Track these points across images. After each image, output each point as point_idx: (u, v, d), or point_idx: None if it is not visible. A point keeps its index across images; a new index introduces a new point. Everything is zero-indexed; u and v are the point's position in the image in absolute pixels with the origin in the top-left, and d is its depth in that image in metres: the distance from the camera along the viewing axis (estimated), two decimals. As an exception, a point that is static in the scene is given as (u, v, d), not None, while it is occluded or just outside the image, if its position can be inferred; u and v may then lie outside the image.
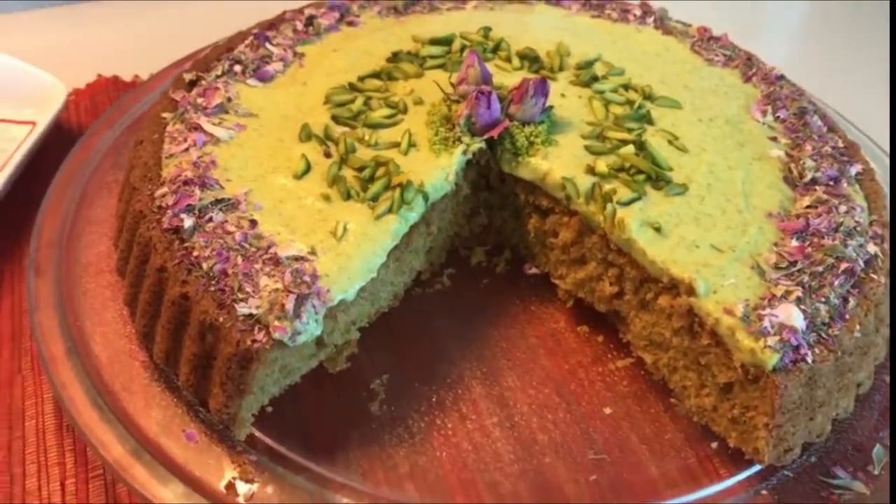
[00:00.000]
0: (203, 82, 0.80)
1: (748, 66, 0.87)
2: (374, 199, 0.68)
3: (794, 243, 0.67)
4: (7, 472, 0.65)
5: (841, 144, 0.79)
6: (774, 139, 0.78)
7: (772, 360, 0.60)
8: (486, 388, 0.70)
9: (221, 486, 0.60)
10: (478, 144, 0.73)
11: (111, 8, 1.19)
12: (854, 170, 0.76)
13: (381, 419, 0.67)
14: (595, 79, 0.82)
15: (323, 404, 0.67)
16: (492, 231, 0.81)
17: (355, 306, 0.67)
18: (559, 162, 0.72)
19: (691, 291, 0.63)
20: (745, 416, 0.63)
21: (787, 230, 0.68)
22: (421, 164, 0.71)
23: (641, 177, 0.71)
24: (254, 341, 0.58)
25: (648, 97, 0.80)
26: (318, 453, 0.63)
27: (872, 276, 0.67)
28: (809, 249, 0.67)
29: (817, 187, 0.73)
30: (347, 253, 0.64)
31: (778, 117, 0.81)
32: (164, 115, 0.76)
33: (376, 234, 0.66)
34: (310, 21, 0.89)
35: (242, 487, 0.60)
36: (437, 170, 0.71)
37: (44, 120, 0.90)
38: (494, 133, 0.73)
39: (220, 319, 0.60)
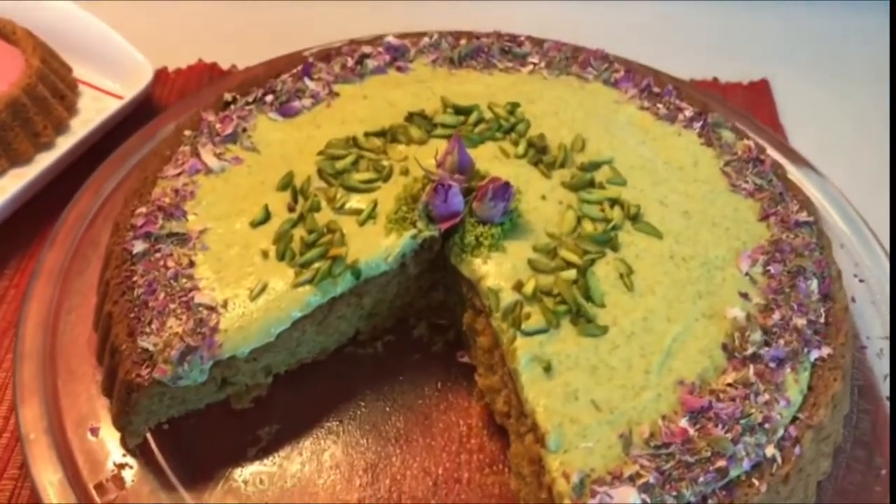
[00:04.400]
0: (233, 106, 0.87)
1: (775, 201, 0.82)
2: (305, 265, 0.72)
3: (683, 423, 0.64)
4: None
5: (823, 320, 0.73)
6: (745, 296, 0.74)
7: (585, 541, 0.59)
8: (364, 455, 0.73)
9: (92, 484, 0.69)
10: (430, 233, 0.75)
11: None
12: (816, 354, 0.71)
13: (249, 464, 0.72)
14: (589, 184, 0.80)
15: (212, 434, 0.74)
16: (445, 309, 0.83)
17: (264, 357, 0.73)
18: (496, 269, 0.73)
19: (542, 442, 0.63)
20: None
21: (686, 405, 0.66)
22: (368, 239, 0.75)
23: (563, 307, 0.70)
24: (138, 375, 0.67)
25: (633, 218, 0.78)
26: (189, 478, 0.71)
27: (753, 481, 0.63)
28: (694, 434, 0.64)
29: (752, 366, 0.68)
30: (252, 315, 0.69)
31: (767, 271, 0.76)
32: (186, 132, 0.85)
33: (288, 303, 0.71)
34: (360, 60, 0.94)
35: (112, 490, 0.69)
36: (379, 248, 0.74)
37: (129, 96, 1.02)
38: (445, 226, 0.75)
39: (123, 346, 0.68)
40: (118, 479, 0.70)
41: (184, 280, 0.71)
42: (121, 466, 0.70)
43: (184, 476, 0.71)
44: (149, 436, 0.73)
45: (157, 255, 0.73)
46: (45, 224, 0.92)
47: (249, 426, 0.75)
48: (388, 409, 0.77)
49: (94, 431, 0.72)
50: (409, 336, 0.83)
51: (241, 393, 0.75)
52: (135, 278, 0.72)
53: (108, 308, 0.71)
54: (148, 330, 0.68)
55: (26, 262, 0.90)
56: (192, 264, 0.72)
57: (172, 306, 0.69)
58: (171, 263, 0.72)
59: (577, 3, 1.27)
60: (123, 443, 0.72)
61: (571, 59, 0.96)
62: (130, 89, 1.03)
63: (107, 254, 0.76)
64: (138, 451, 0.72)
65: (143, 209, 0.77)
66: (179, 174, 0.80)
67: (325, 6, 1.25)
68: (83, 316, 0.80)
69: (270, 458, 0.73)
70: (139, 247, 0.73)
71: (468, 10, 1.23)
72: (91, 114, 1.02)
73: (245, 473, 0.72)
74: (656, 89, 0.92)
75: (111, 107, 1.02)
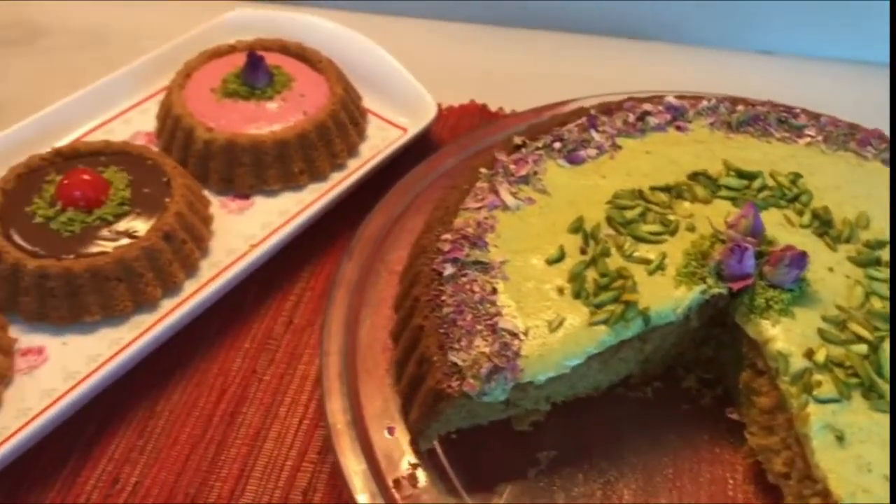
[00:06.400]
0: (524, 150, 0.94)
1: None
2: (599, 306, 0.77)
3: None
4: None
5: None
6: None
7: None
8: (635, 495, 0.77)
9: (391, 479, 0.76)
10: (719, 290, 0.79)
11: (503, 35, 1.37)
12: None
13: (532, 484, 0.78)
14: (876, 262, 0.82)
15: (494, 449, 0.80)
16: (715, 364, 0.86)
17: (552, 386, 0.78)
18: (785, 334, 0.75)
19: (836, 509, 0.65)
20: None
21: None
22: (657, 289, 0.79)
23: (855, 380, 0.72)
24: (449, 386, 0.73)
25: (921, 301, 0.78)
26: (472, 488, 0.77)
27: None
28: None
29: None
30: (552, 346, 0.75)
31: None
32: (482, 170, 0.92)
33: (584, 339, 0.76)
34: (642, 116, 0.99)
35: (407, 487, 0.75)
36: (669, 299, 0.78)
37: (413, 130, 1.11)
38: (736, 286, 0.78)
39: (435, 358, 0.75)
40: (413, 478, 0.76)
41: (488, 305, 0.78)
42: (414, 466, 0.77)
43: (467, 485, 0.77)
44: (436, 442, 0.79)
45: (464, 279, 0.80)
46: (334, 236, 1.02)
47: (529, 448, 0.80)
48: (656, 454, 0.80)
49: (391, 431, 0.79)
50: (678, 386, 0.86)
51: (522, 416, 0.81)
52: (443, 297, 0.79)
53: (419, 321, 0.79)
54: (457, 346, 0.75)
55: (319, 269, 1.00)
56: (494, 291, 0.79)
57: (479, 327, 0.76)
58: (476, 288, 0.79)
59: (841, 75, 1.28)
60: (414, 445, 0.78)
61: (849, 136, 0.97)
62: (413, 121, 1.12)
63: (414, 272, 0.84)
64: (426, 455, 0.78)
65: (448, 236, 0.84)
66: (480, 208, 0.87)
67: (590, 60, 1.32)
68: (376, 325, 0.88)
69: (548, 481, 0.78)
70: (449, 270, 0.80)
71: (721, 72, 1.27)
72: (377, 141, 1.12)
73: (526, 492, 0.77)
74: (940, 174, 0.92)
75: (395, 136, 1.12)
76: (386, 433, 0.79)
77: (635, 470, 0.79)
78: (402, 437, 0.79)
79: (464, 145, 1.08)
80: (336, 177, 1.07)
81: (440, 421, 0.76)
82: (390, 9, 1.38)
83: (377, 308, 0.90)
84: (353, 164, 1.09)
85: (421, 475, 0.77)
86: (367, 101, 1.16)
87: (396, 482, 0.76)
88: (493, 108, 1.22)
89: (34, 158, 0.97)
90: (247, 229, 0.99)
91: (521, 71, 1.29)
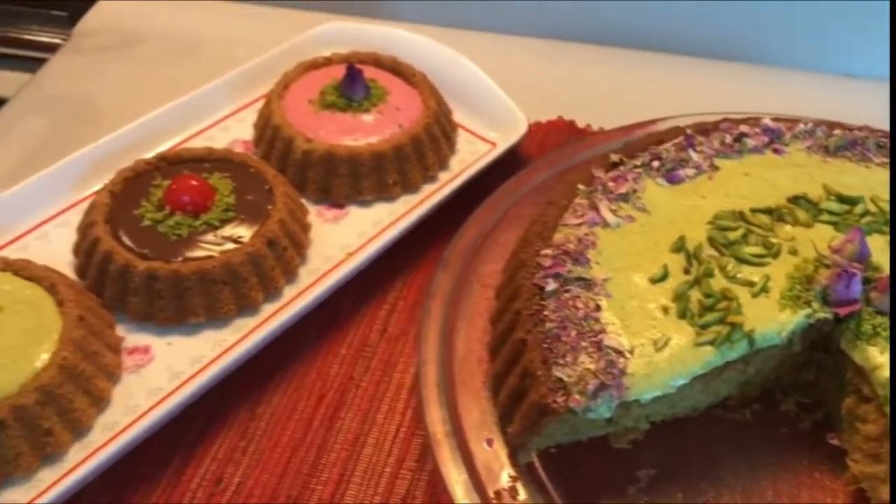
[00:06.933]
0: (622, 167, 0.95)
1: None
2: (704, 326, 0.78)
3: None
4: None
5: None
6: None
7: None
8: (737, 520, 0.77)
9: (492, 490, 0.76)
10: (824, 315, 0.78)
11: (590, 52, 1.38)
12: None
13: (631, 501, 0.78)
14: None
15: (595, 466, 0.80)
16: (815, 389, 0.85)
17: (652, 405, 0.78)
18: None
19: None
20: None
21: None
22: (762, 311, 0.79)
23: (968, 412, 0.71)
24: (554, 401, 0.74)
25: None
26: (570, 500, 0.77)
27: None
28: None
29: None
30: (658, 365, 0.75)
31: None
32: (580, 186, 0.93)
33: (690, 359, 0.76)
34: (739, 138, 0.99)
35: (506, 499, 0.76)
36: (774, 322, 0.78)
37: (503, 144, 1.12)
38: (843, 312, 0.78)
39: (539, 372, 0.76)
40: (513, 490, 0.77)
41: (592, 322, 0.78)
42: (514, 479, 0.78)
43: (566, 500, 0.77)
44: (534, 456, 0.80)
45: (567, 294, 0.81)
46: (425, 247, 1.04)
47: (628, 465, 0.80)
48: (755, 477, 0.80)
49: (490, 442, 0.80)
50: (776, 409, 0.85)
51: (621, 433, 0.81)
52: (545, 312, 0.80)
53: (521, 335, 0.79)
54: (562, 362, 0.76)
55: (412, 279, 1.01)
56: (598, 308, 0.79)
57: (584, 344, 0.76)
58: (580, 304, 0.80)
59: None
60: (513, 458, 0.79)
61: (950, 162, 0.96)
62: (503, 136, 1.13)
63: (514, 286, 0.85)
64: (524, 468, 0.79)
65: (548, 251, 0.85)
66: (580, 224, 0.87)
67: (674, 80, 1.32)
68: (471, 336, 0.89)
69: (648, 499, 0.78)
70: (551, 285, 0.81)
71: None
72: (465, 154, 1.14)
73: (626, 509, 0.78)
74: None
75: (483, 149, 1.13)
76: (485, 445, 0.80)
77: (734, 492, 0.79)
78: (501, 449, 0.80)
79: (553, 161, 1.09)
80: (427, 188, 1.08)
81: (542, 435, 0.77)
82: (475, 24, 1.40)
83: (471, 320, 0.91)
84: (443, 176, 1.10)
85: (521, 488, 0.77)
86: (456, 115, 1.17)
87: (497, 494, 0.76)
88: (580, 124, 1.22)
89: (140, 162, 1.00)
90: (342, 238, 1.01)
91: (607, 88, 1.30)
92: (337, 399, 0.88)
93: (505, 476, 0.78)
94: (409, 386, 0.90)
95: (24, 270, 0.88)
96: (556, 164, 1.09)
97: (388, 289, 1.00)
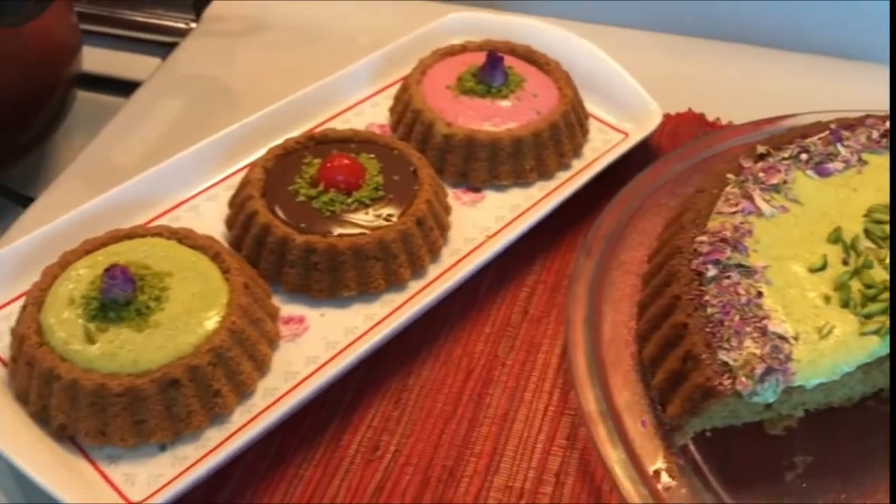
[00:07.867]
0: (770, 159, 0.95)
1: None
2: (868, 316, 0.78)
3: None
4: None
5: None
6: None
7: None
8: (893, 514, 0.77)
9: (650, 470, 0.78)
10: None
11: (720, 48, 1.38)
12: None
13: (789, 487, 0.79)
14: None
15: (750, 451, 0.81)
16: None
17: (810, 393, 0.79)
18: None
19: None
20: None
21: None
22: (925, 304, 0.79)
23: None
24: (720, 384, 0.75)
25: None
26: (728, 485, 0.78)
27: None
28: None
29: None
30: (823, 352, 0.76)
31: None
32: (729, 175, 0.93)
33: (854, 347, 0.76)
34: (885, 134, 0.98)
35: (665, 478, 0.77)
36: (938, 315, 0.78)
37: (636, 135, 1.13)
38: None
39: (703, 356, 0.77)
40: (671, 470, 0.78)
41: (755, 307, 0.79)
42: (671, 459, 0.79)
43: (722, 483, 0.78)
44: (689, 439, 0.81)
45: (727, 281, 0.81)
46: (561, 232, 1.05)
47: (783, 452, 0.81)
48: (912, 469, 0.80)
49: (644, 423, 0.81)
50: (931, 403, 0.85)
51: (776, 420, 0.82)
52: (706, 297, 0.80)
53: (681, 319, 0.80)
54: (726, 346, 0.76)
55: (549, 263, 1.03)
56: (759, 295, 0.80)
57: (748, 329, 0.77)
58: (741, 290, 0.80)
59: None
60: (667, 439, 0.80)
61: None
62: (636, 126, 1.14)
63: (669, 272, 0.86)
64: (679, 450, 0.80)
65: (703, 238, 0.86)
66: (735, 213, 0.88)
67: (803, 77, 1.31)
68: (617, 321, 0.90)
69: (806, 486, 0.79)
70: (711, 271, 0.82)
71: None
72: (598, 143, 1.15)
73: (785, 495, 0.78)
74: None
75: (615, 139, 1.14)
76: (640, 425, 0.81)
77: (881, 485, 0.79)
78: (655, 430, 0.81)
79: (688, 153, 1.10)
80: (562, 175, 1.10)
81: (701, 417, 0.78)
82: (606, 18, 1.41)
83: (616, 305, 0.92)
84: (576, 164, 1.12)
85: (677, 469, 0.78)
86: (587, 105, 1.18)
87: (656, 473, 0.78)
88: (710, 118, 1.22)
89: (290, 141, 1.04)
90: (482, 221, 1.03)
91: (736, 84, 1.30)
92: (484, 375, 0.90)
93: (660, 456, 0.79)
94: (555, 366, 0.92)
95: (187, 239, 0.92)
96: (690, 157, 1.09)
97: (528, 271, 1.01)
